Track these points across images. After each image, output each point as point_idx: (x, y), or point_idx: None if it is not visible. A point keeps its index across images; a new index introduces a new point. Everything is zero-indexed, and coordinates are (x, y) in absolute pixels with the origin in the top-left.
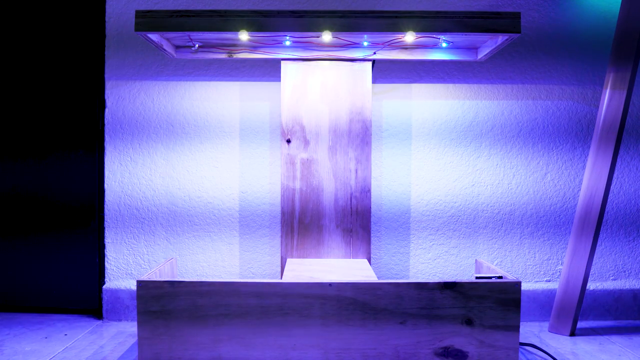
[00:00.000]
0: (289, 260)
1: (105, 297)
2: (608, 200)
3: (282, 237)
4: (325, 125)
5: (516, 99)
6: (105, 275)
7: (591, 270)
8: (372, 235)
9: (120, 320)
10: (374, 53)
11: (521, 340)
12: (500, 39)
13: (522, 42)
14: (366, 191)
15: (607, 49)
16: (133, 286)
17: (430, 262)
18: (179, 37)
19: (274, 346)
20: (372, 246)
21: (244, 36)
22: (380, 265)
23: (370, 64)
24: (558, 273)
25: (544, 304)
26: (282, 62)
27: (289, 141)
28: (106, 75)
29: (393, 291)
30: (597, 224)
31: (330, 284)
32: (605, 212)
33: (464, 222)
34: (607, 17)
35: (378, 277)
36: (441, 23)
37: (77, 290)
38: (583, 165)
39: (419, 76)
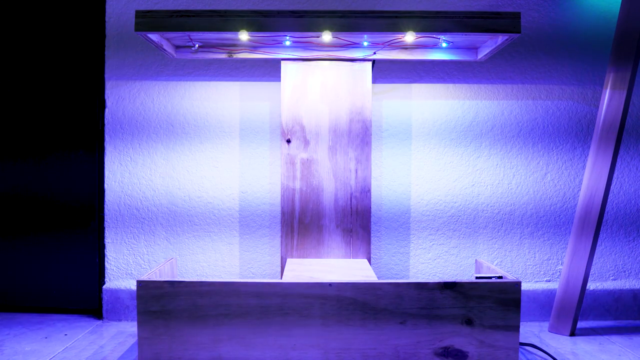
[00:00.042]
0: (289, 260)
1: (105, 297)
2: (608, 200)
3: (282, 237)
4: (325, 125)
5: (516, 99)
6: (105, 275)
7: (591, 270)
8: (372, 235)
9: (120, 320)
10: (374, 53)
11: (521, 340)
12: (500, 39)
13: (522, 42)
14: (366, 191)
15: (607, 49)
16: (133, 286)
17: (430, 262)
18: (179, 37)
19: (274, 346)
20: (372, 246)
21: (244, 36)
22: (380, 265)
23: (370, 64)
24: (558, 273)
25: (544, 304)
26: (282, 62)
27: (289, 141)
28: (106, 75)
29: (393, 291)
30: (597, 224)
31: (330, 284)
32: (605, 212)
33: (464, 222)
34: (607, 17)
35: (378, 277)
36: (441, 23)
37: (77, 290)
38: (583, 165)
39: (419, 76)
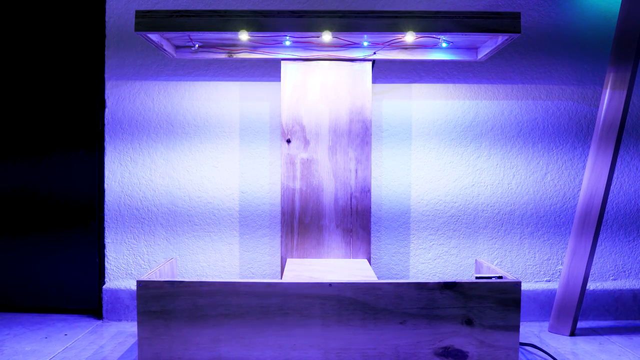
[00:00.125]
0: (289, 260)
1: (105, 297)
2: (608, 200)
3: (282, 237)
4: (325, 125)
5: (516, 99)
6: (105, 275)
7: (591, 270)
8: (372, 235)
9: (120, 320)
10: (374, 53)
11: (521, 340)
12: (500, 39)
13: (522, 42)
14: (366, 191)
15: (607, 49)
16: (133, 286)
17: (430, 262)
18: (179, 37)
19: (274, 346)
20: (372, 246)
21: (244, 36)
22: (380, 265)
23: (370, 64)
24: (558, 273)
25: (544, 304)
26: (282, 62)
27: (289, 141)
28: (106, 75)
29: (393, 291)
30: (597, 224)
31: (330, 284)
32: (605, 212)
33: (464, 222)
34: (607, 17)
35: (378, 277)
36: (441, 23)
37: (77, 290)
38: (583, 165)
39: (419, 76)
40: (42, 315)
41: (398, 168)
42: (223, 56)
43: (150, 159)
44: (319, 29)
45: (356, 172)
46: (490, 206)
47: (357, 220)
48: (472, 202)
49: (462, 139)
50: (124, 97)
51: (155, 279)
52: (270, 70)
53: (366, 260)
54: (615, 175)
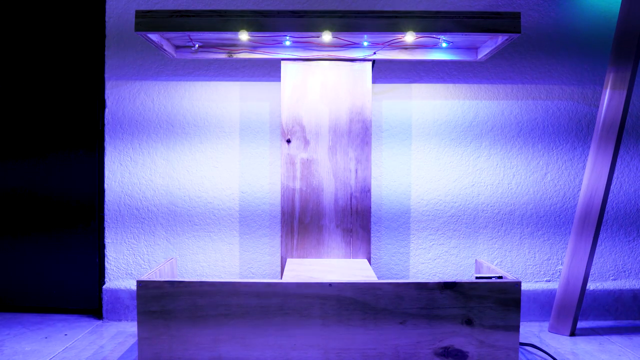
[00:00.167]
0: (289, 260)
1: (105, 297)
2: (608, 200)
3: (282, 237)
4: (325, 125)
5: (516, 99)
6: (105, 275)
7: (591, 270)
8: (372, 235)
9: (120, 320)
10: (374, 53)
11: (521, 340)
12: (500, 39)
13: (522, 42)
14: (366, 191)
15: (607, 49)
16: (133, 286)
17: (430, 262)
18: (179, 37)
19: (274, 346)
20: (372, 246)
21: (244, 36)
22: (380, 265)
23: (370, 64)
24: (558, 273)
25: (544, 304)
26: (282, 62)
27: (289, 141)
28: (106, 75)
29: (393, 291)
30: (597, 223)
31: (330, 284)
32: (605, 212)
33: (464, 222)
34: (607, 17)
35: (378, 277)
36: (441, 23)
37: (77, 290)
38: (583, 165)
39: (419, 76)
40: (42, 315)
41: (398, 168)
42: (223, 56)
43: (150, 159)
44: (319, 29)
45: (356, 172)
46: (490, 206)
47: (357, 220)
48: (472, 202)
49: (462, 139)
50: (124, 97)
51: (155, 279)
52: (270, 70)
53: (366, 260)
54: (615, 175)
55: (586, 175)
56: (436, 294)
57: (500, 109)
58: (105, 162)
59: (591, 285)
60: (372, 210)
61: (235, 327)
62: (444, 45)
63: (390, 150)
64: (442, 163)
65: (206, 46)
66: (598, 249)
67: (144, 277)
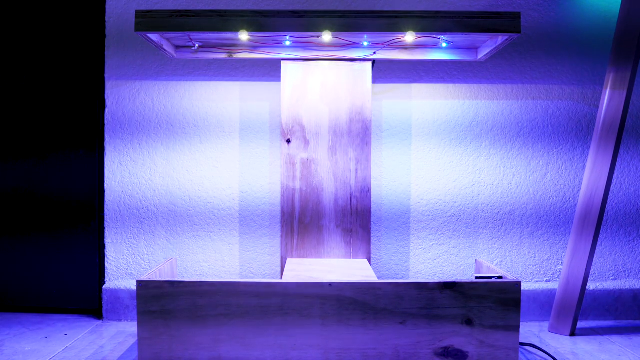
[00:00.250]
0: (289, 260)
1: (105, 297)
2: (608, 200)
3: (282, 237)
4: (325, 125)
5: (516, 99)
6: (105, 275)
7: (591, 270)
8: (372, 235)
9: (120, 320)
10: (374, 53)
11: (521, 340)
12: (500, 39)
13: (522, 42)
14: (366, 191)
15: (607, 49)
16: (133, 286)
17: (430, 262)
18: (179, 37)
19: (274, 346)
20: (372, 246)
21: (244, 36)
22: (380, 265)
23: (370, 64)
24: (558, 273)
25: (544, 304)
26: (282, 62)
27: (289, 141)
28: (106, 75)
29: (393, 291)
30: (597, 223)
31: (330, 284)
32: (605, 212)
33: (464, 222)
34: (607, 17)
35: (378, 277)
36: (441, 23)
37: (77, 290)
38: (583, 165)
39: (419, 76)
40: (42, 315)
41: (398, 168)
42: (223, 56)
43: (150, 159)
44: (319, 29)
45: (356, 172)
46: (490, 206)
47: (357, 220)
48: (472, 202)
49: (462, 139)
50: (124, 97)
51: (155, 279)
52: (270, 70)
53: (366, 260)
54: (615, 175)
55: (586, 175)
56: (436, 294)
57: (500, 109)
58: (105, 162)
59: (591, 285)
60: (372, 210)
61: (235, 327)
62: (444, 45)
63: (390, 150)
64: (442, 163)
65: (206, 46)
66: (598, 249)
67: (144, 277)
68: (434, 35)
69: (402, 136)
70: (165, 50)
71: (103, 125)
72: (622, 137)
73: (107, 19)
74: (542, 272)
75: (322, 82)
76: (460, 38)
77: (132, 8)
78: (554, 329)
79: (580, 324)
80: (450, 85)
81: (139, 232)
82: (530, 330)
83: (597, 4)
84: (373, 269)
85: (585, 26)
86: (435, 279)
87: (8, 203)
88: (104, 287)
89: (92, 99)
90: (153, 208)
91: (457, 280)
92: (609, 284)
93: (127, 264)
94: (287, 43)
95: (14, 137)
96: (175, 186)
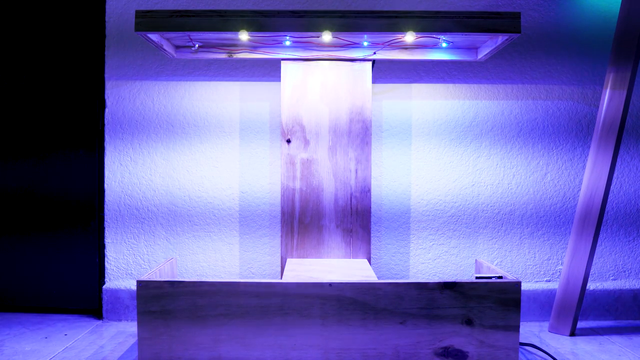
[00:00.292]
0: (289, 260)
1: (105, 297)
2: (608, 200)
3: (282, 237)
4: (325, 125)
5: (516, 99)
6: (105, 275)
7: (591, 270)
8: (372, 235)
9: (120, 320)
10: (374, 53)
11: (521, 340)
12: (500, 39)
13: (522, 42)
14: (366, 191)
15: (607, 49)
16: (133, 286)
17: (430, 262)
18: (179, 37)
19: (274, 346)
20: (372, 246)
21: (244, 36)
22: (380, 265)
23: (370, 64)
24: (558, 273)
25: (544, 304)
26: (282, 62)
27: (289, 141)
28: (106, 75)
29: (393, 291)
30: (597, 223)
31: (330, 284)
32: (605, 212)
33: (464, 222)
34: (607, 17)
35: (378, 277)
36: (441, 23)
37: (77, 290)
38: (583, 165)
39: (419, 76)
40: (42, 315)
41: (398, 168)
42: (223, 56)
43: (150, 159)
44: (319, 29)
45: (356, 172)
46: (490, 206)
47: (357, 220)
48: (472, 202)
49: (462, 139)
50: (124, 97)
51: (155, 279)
52: (270, 70)
53: (366, 260)
54: (615, 175)
55: (586, 175)
56: (436, 294)
57: (500, 109)
58: (105, 162)
59: (591, 285)
60: (372, 210)
61: (235, 327)
62: (444, 45)
63: (390, 150)
64: (442, 163)
65: (206, 46)
66: (598, 249)
67: (144, 277)
68: (434, 35)
69: (402, 136)
70: (165, 50)
71: (103, 125)
72: (622, 137)
73: (107, 19)
74: (542, 272)
75: (322, 82)
76: (460, 38)
77: (132, 8)
78: (554, 329)
79: (580, 324)
80: (450, 85)
81: (139, 232)
82: (530, 330)
83: (597, 4)
84: (373, 269)
85: (585, 26)
86: (435, 279)
87: (8, 203)
88: (104, 287)
89: (92, 99)
90: (153, 208)
91: (457, 280)
92: (609, 284)
93: (127, 264)
94: (287, 43)
95: (14, 137)
96: (175, 186)
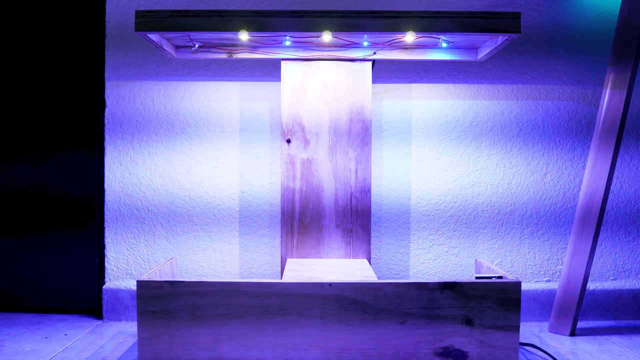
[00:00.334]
0: (289, 260)
1: (105, 297)
2: (608, 200)
3: (282, 237)
4: (325, 125)
5: (516, 99)
6: (105, 275)
7: (591, 270)
8: (372, 235)
9: (120, 320)
10: (374, 53)
11: (521, 340)
12: (500, 39)
13: (522, 42)
14: (366, 191)
15: (607, 49)
16: (133, 286)
17: (430, 262)
18: (179, 37)
19: (274, 346)
20: (372, 246)
21: (244, 36)
22: (380, 265)
23: (370, 64)
24: (558, 273)
25: (544, 304)
26: (282, 62)
27: (289, 141)
28: (106, 75)
29: (393, 291)
30: (597, 223)
31: (330, 284)
32: (605, 212)
33: (464, 222)
34: (607, 17)
35: (378, 277)
36: (441, 23)
37: (77, 290)
38: (583, 165)
39: (419, 76)
40: (42, 315)
41: (398, 168)
42: (223, 56)
43: (150, 159)
44: (319, 29)
45: (356, 172)
46: (490, 206)
47: (357, 220)
48: (472, 202)
49: (462, 139)
50: (124, 97)
51: (155, 279)
52: (270, 70)
53: (366, 260)
54: (615, 175)
55: (586, 175)
56: (436, 294)
57: (500, 109)
58: (105, 162)
59: (591, 285)
60: (372, 210)
61: (235, 327)
62: (444, 45)
63: (390, 150)
64: (442, 163)
65: (206, 46)
66: (598, 249)
67: (144, 277)
68: (434, 35)
69: (402, 136)
70: (165, 50)
71: (103, 125)
72: (622, 137)
73: (107, 19)
74: (542, 272)
75: (322, 82)
76: (460, 38)
77: (132, 8)
78: (554, 329)
79: (580, 324)
80: (450, 85)
81: (139, 232)
82: (530, 330)
83: (597, 4)
84: (373, 269)
85: (585, 26)
86: (435, 279)
87: (8, 203)
88: (104, 287)
89: (92, 99)
90: (153, 208)
91: (457, 280)
92: (609, 284)
93: (127, 264)
94: (287, 43)
95: (14, 137)
96: (175, 186)
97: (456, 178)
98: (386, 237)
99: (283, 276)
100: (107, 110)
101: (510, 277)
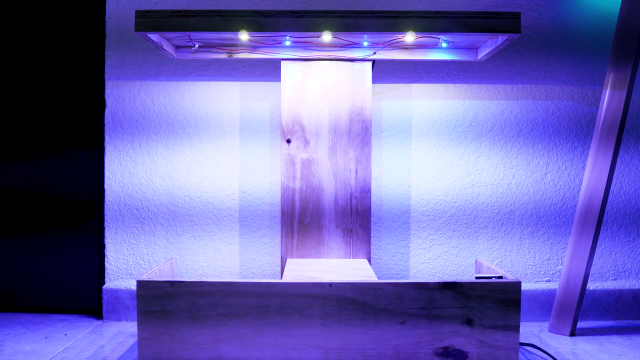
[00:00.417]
0: (289, 260)
1: (105, 297)
2: (608, 200)
3: (282, 237)
4: (325, 125)
5: (516, 99)
6: (105, 275)
7: (591, 270)
8: (372, 235)
9: (120, 320)
10: (374, 53)
11: (521, 340)
12: (500, 39)
13: (522, 42)
14: (366, 191)
15: (607, 49)
16: (133, 286)
17: (430, 262)
18: (179, 37)
19: (274, 346)
20: (372, 246)
21: (244, 36)
22: (380, 265)
23: (370, 64)
24: (558, 273)
25: (544, 304)
26: (282, 62)
27: (289, 141)
28: (106, 75)
29: (393, 291)
30: (597, 223)
31: (330, 284)
32: (605, 212)
33: (464, 222)
34: (607, 17)
35: (378, 277)
36: (441, 23)
37: (77, 290)
38: (583, 165)
39: (419, 76)
40: (42, 315)
41: (398, 168)
42: (223, 56)
43: (150, 159)
44: (319, 29)
45: (356, 172)
46: (490, 206)
47: (357, 220)
48: (472, 202)
49: (462, 139)
50: (124, 97)
51: (155, 279)
52: (270, 70)
53: (366, 260)
54: (615, 175)
55: (586, 175)
56: (436, 294)
57: (500, 109)
58: (105, 162)
59: (591, 285)
60: (372, 210)
61: (235, 327)
62: (444, 45)
63: (390, 150)
64: (442, 163)
65: (206, 46)
66: (598, 249)
67: (144, 277)
68: (434, 35)
69: (402, 136)
70: (165, 50)
71: (103, 125)
72: (622, 137)
73: (107, 19)
74: (542, 272)
75: (322, 82)
76: (460, 38)
77: (132, 8)
78: (554, 329)
79: (580, 324)
80: (450, 85)
81: (139, 232)
82: (530, 330)
83: (597, 4)
84: (373, 269)
85: (585, 26)
86: (435, 279)
87: (8, 203)
88: (104, 287)
89: (92, 99)
90: (153, 208)
91: (457, 280)
92: (609, 284)
93: (127, 264)
94: (287, 43)
95: (14, 137)
96: (175, 186)
97: (456, 178)
98: (386, 237)
99: (283, 276)
100: (107, 110)
101: (510, 277)
